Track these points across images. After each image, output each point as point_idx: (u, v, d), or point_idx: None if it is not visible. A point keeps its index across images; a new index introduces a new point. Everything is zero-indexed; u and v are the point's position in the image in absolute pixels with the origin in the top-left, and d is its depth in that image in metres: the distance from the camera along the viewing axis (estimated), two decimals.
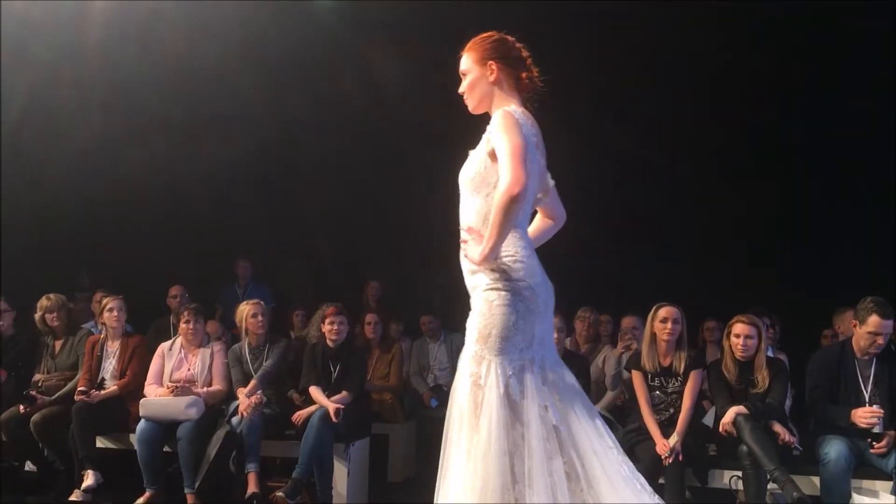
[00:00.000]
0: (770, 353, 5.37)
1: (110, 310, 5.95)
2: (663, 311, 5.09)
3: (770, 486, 4.68)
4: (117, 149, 8.32)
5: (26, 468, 6.03)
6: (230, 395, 5.76)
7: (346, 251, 8.73)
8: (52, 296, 6.17)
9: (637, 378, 5.13)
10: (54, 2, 7.37)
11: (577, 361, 5.62)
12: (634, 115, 7.93)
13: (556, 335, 5.34)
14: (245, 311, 5.92)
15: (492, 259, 2.75)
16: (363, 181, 8.53)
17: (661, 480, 4.83)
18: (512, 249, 2.79)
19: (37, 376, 6.02)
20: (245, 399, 5.54)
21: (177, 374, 5.75)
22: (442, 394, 6.76)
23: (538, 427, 2.63)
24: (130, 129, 8.21)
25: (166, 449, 5.55)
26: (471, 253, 2.78)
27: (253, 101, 8.16)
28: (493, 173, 2.80)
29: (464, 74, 2.95)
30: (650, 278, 7.47)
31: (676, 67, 7.70)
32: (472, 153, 2.91)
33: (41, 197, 8.17)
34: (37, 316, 6.14)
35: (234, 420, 5.51)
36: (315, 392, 5.66)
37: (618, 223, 8.21)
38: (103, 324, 6.06)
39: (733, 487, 4.91)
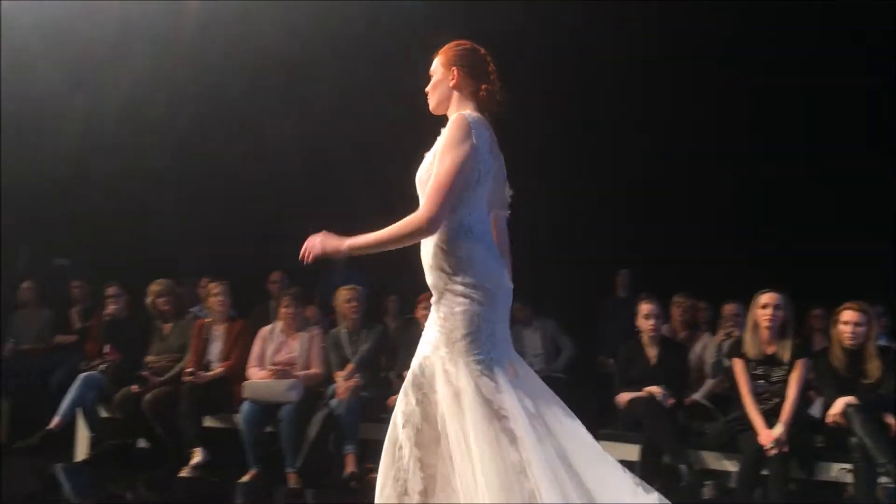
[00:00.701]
0: (883, 342, 5.12)
1: (216, 294, 6.16)
2: (765, 297, 4.95)
3: (882, 480, 4.47)
4: (214, 140, 8.57)
5: (139, 445, 6.30)
6: (328, 379, 5.90)
7: None
8: (161, 281, 6.39)
9: (738, 366, 4.98)
10: (149, 1, 7.64)
11: (674, 348, 5.51)
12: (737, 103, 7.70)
13: (652, 321, 5.34)
14: (341, 296, 6.05)
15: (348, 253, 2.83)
16: None
17: (765, 472, 4.69)
18: (469, 252, 2.80)
19: (148, 358, 6.26)
20: (342, 382, 5.66)
21: (277, 358, 5.91)
22: None
23: (521, 416, 2.66)
24: (223, 123, 8.45)
25: (269, 429, 5.74)
26: (325, 240, 2.87)
27: (348, 93, 8.28)
28: None
29: (431, 75, 3.03)
30: (756, 266, 7.21)
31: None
32: (427, 155, 2.93)
33: (145, 188, 8.53)
34: (148, 300, 6.36)
35: (333, 402, 5.64)
36: None
37: (722, 209, 7.98)
38: (209, 308, 6.30)
39: (842, 481, 4.72)
